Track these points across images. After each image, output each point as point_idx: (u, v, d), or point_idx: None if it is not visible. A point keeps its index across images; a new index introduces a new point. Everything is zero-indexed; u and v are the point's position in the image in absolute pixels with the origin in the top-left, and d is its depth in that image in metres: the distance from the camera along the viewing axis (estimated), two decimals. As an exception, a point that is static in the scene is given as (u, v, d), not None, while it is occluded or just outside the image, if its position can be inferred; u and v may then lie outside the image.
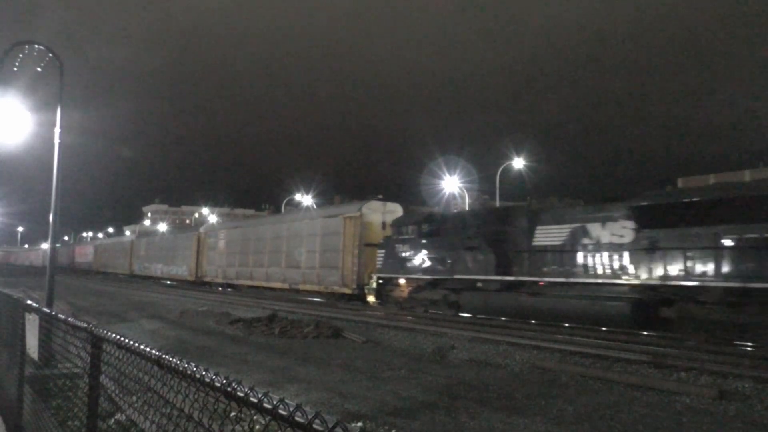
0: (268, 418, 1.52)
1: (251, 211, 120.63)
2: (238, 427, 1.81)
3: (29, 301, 5.89)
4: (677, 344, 11.93)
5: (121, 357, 2.89)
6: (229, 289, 33.75)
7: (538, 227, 15.96)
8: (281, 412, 1.46)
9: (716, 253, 12.19)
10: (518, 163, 40.80)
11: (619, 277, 13.97)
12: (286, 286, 28.71)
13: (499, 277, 16.70)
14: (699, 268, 12.47)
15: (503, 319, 16.65)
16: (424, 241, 19.53)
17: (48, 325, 4.74)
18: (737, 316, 11.84)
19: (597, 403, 7.92)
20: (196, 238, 39.69)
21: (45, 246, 72.25)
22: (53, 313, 4.58)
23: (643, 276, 13.48)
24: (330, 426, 1.31)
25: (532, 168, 42.85)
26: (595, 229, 14.60)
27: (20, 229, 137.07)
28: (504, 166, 40.62)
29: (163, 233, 55.06)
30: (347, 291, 24.06)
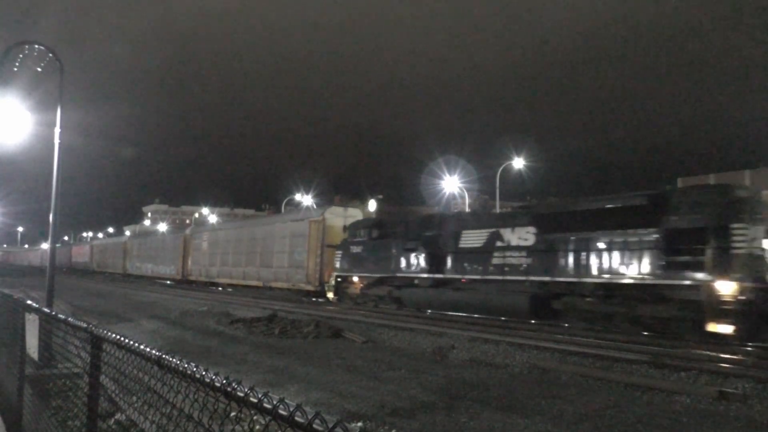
0: (268, 418, 1.52)
1: (251, 211, 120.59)
2: (238, 427, 1.81)
3: (29, 301, 5.89)
4: (677, 344, 11.95)
5: (121, 357, 2.89)
6: (230, 289, 33.90)
7: (464, 231, 18.15)
8: (281, 412, 1.46)
9: (591, 254, 14.41)
10: (518, 163, 40.79)
11: (522, 275, 16.04)
12: (260, 283, 30.87)
13: (431, 275, 19.13)
14: (579, 266, 14.67)
15: (502, 318, 16.73)
16: (373, 244, 21.77)
17: (48, 325, 4.74)
18: (606, 307, 13.99)
19: (597, 403, 7.92)
20: (183, 239, 41.75)
21: (44, 246, 72.33)
22: (53, 313, 4.57)
23: (540, 274, 15.55)
24: (330, 426, 1.31)
25: (532, 168, 42.90)
26: (506, 233, 16.71)
27: (20, 229, 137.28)
28: (504, 166, 40.63)
29: (157, 234, 55.98)
30: (311, 288, 26.31)
